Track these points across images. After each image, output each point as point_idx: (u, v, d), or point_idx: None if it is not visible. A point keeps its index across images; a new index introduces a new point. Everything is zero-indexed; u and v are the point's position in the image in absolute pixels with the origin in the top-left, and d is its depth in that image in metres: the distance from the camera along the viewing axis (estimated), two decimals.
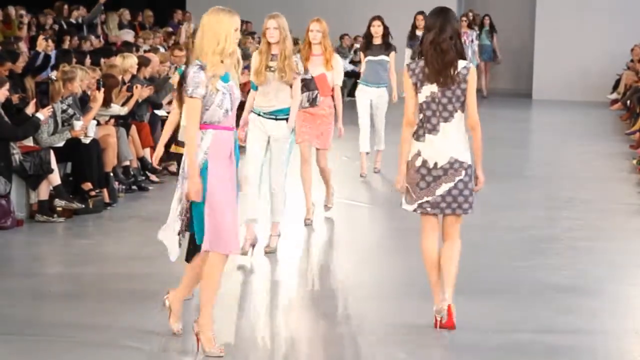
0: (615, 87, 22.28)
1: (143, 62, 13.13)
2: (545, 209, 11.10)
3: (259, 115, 8.81)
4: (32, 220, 10.23)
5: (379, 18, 12.76)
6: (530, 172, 13.42)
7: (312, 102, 9.92)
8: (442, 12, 6.65)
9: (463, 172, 6.60)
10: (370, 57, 12.70)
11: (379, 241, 9.79)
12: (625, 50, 22.10)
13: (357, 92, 12.90)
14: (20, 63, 11.95)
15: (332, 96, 10.07)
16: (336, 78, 9.99)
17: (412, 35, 18.20)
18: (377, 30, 12.72)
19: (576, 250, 9.24)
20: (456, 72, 6.54)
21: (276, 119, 8.77)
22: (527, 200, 11.50)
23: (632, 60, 21.54)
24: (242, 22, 22.38)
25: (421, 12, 17.79)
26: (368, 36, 12.82)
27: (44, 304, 7.51)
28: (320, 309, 7.45)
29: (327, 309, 7.44)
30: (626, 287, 8.13)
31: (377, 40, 12.71)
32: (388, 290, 7.97)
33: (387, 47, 12.77)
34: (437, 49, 6.53)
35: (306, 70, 9.59)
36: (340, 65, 10.09)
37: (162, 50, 16.05)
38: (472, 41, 20.84)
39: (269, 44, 8.72)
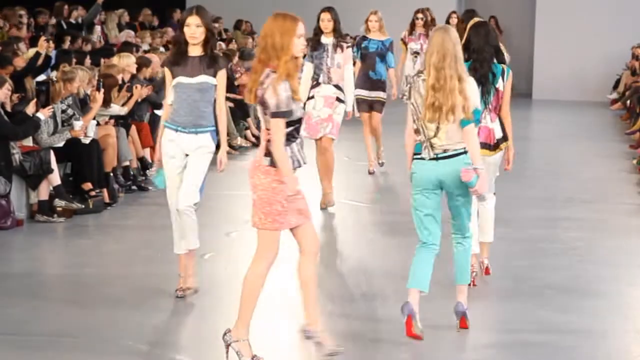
0: (616, 87, 22.29)
1: (144, 63, 13.14)
2: (545, 209, 11.10)
3: None
4: (32, 220, 10.23)
5: (198, 13, 7.30)
6: (530, 172, 13.42)
7: None
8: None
9: None
10: (181, 79, 7.32)
11: (379, 241, 9.79)
12: (625, 50, 22.11)
13: (163, 141, 7.42)
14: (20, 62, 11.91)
15: None
16: None
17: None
18: (194, 32, 7.29)
19: (576, 250, 9.24)
20: None
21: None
22: (527, 200, 11.50)
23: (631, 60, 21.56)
24: (242, 22, 22.40)
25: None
26: (180, 43, 7.42)
27: (44, 304, 7.51)
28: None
29: (328, 309, 7.45)
30: (626, 287, 8.13)
31: (195, 51, 7.34)
32: (388, 289, 7.96)
33: (210, 62, 7.34)
34: None
35: None
36: None
37: (162, 50, 16.05)
38: None
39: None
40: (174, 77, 7.34)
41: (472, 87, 6.50)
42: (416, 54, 14.97)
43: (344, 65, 10.60)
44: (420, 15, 15.32)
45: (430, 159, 6.49)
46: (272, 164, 5.74)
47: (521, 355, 6.47)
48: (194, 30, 7.27)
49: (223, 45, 18.73)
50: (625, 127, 18.07)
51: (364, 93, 12.92)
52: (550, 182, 12.88)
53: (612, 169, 13.88)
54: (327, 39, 10.64)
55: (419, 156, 6.55)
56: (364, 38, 13.05)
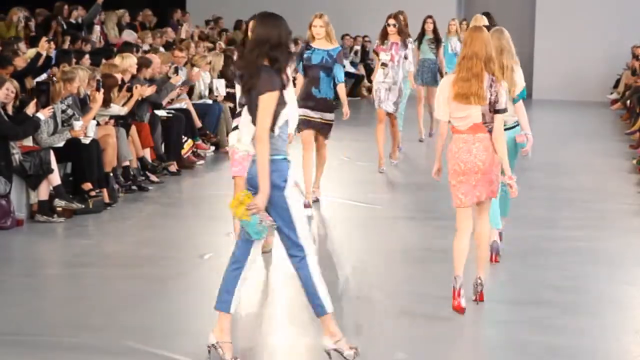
0: (616, 87, 22.30)
1: (144, 63, 13.14)
2: (545, 209, 11.10)
3: None
4: (32, 220, 10.23)
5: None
6: (530, 172, 13.42)
7: None
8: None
9: None
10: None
11: (378, 241, 9.78)
12: (625, 50, 22.12)
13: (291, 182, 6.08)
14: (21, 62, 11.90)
15: None
16: None
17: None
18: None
19: (576, 250, 9.24)
20: None
21: None
22: (527, 200, 11.49)
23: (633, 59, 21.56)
24: (242, 22, 22.40)
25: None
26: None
27: (44, 304, 7.51)
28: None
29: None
30: (626, 287, 8.14)
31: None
32: (388, 287, 7.96)
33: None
34: None
35: None
36: None
37: (162, 50, 16.06)
38: (404, 58, 13.31)
39: None
40: (281, 103, 5.93)
41: (519, 73, 8.32)
42: (384, 65, 13.15)
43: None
44: (392, 22, 13.22)
45: None
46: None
47: (521, 354, 6.47)
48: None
49: (223, 44, 18.74)
50: (625, 127, 18.08)
51: (308, 113, 10.66)
52: (550, 181, 12.89)
53: (612, 169, 13.89)
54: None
55: None
56: (307, 47, 10.75)
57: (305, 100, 10.62)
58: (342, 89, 10.84)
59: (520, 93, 8.32)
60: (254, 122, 5.88)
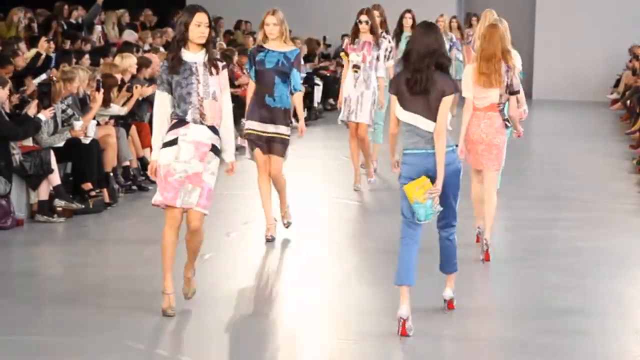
0: (616, 87, 22.29)
1: (144, 63, 13.14)
2: (545, 209, 11.10)
3: None
4: (32, 220, 10.23)
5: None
6: (530, 171, 13.43)
7: None
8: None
9: None
10: None
11: (377, 242, 9.78)
12: (625, 51, 22.11)
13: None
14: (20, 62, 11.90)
15: None
16: None
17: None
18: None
19: (576, 250, 9.24)
20: None
21: None
22: (527, 200, 11.50)
23: (630, 60, 21.55)
24: (242, 22, 22.41)
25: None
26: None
27: (44, 304, 7.51)
28: (314, 309, 7.47)
29: (322, 308, 7.45)
30: (626, 287, 8.14)
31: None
32: (388, 284, 7.96)
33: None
34: None
35: None
36: None
37: (162, 50, 16.05)
38: (376, 59, 11.65)
39: None
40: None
41: (518, 58, 9.14)
42: (356, 67, 11.53)
43: (220, 94, 7.04)
44: (364, 18, 11.46)
45: None
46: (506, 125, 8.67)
47: (521, 355, 6.46)
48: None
49: (224, 44, 18.73)
50: (625, 127, 18.07)
51: (255, 126, 9.18)
52: (550, 181, 12.88)
53: (612, 169, 13.88)
54: (196, 55, 6.96)
55: None
56: (260, 49, 9.19)
57: (256, 110, 9.18)
58: (299, 99, 9.39)
59: (520, 74, 9.22)
60: (431, 117, 6.69)
